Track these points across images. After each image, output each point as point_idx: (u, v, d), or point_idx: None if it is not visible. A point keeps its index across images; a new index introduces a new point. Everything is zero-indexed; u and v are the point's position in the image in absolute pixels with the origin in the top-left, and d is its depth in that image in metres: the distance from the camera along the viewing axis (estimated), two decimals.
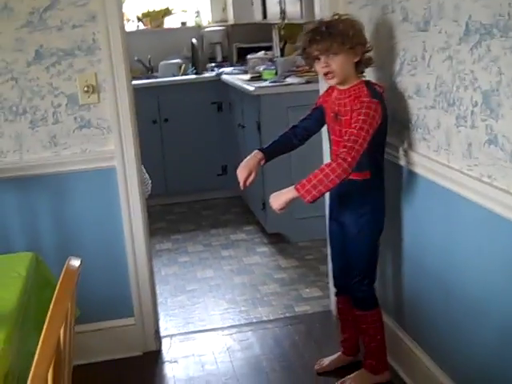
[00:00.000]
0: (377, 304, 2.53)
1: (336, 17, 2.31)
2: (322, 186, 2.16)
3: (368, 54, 2.32)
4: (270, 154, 2.51)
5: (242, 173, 2.43)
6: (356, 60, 2.28)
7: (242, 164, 2.45)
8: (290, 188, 2.22)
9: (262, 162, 2.48)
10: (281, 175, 4.12)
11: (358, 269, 2.47)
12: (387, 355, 2.57)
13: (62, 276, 1.37)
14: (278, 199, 2.27)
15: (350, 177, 2.22)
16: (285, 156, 4.21)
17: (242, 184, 2.44)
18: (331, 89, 2.42)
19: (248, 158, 2.47)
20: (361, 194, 2.38)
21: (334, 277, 2.68)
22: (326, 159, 3.00)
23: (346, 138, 2.20)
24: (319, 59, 2.27)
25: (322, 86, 2.94)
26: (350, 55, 2.25)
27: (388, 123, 2.40)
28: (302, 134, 2.54)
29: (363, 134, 2.17)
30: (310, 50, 2.28)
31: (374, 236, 2.45)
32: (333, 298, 3.17)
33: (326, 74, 2.29)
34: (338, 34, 2.22)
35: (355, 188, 2.36)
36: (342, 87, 2.32)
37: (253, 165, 2.45)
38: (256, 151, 2.49)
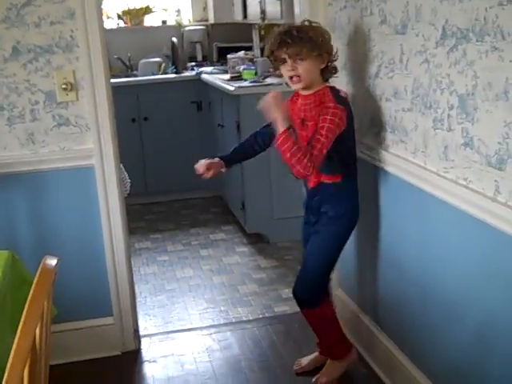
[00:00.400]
0: (323, 298, 2.54)
1: (306, 23, 2.34)
2: (289, 154, 2.18)
3: (334, 64, 2.36)
4: (229, 161, 2.59)
5: (201, 166, 2.51)
6: (322, 67, 2.31)
7: (203, 161, 2.52)
8: (282, 128, 2.22)
9: (223, 170, 2.55)
10: (260, 175, 4.14)
11: (313, 271, 2.49)
12: (345, 336, 2.63)
13: (37, 275, 1.36)
14: (273, 105, 2.29)
15: (323, 180, 2.31)
16: (264, 156, 4.24)
17: (199, 167, 2.50)
18: (296, 96, 2.44)
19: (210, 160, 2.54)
20: (333, 197, 2.40)
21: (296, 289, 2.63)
22: None
23: (314, 143, 2.21)
24: (286, 62, 2.29)
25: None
26: (317, 62, 2.29)
27: (365, 125, 2.42)
28: (263, 140, 2.57)
29: (326, 143, 2.21)
30: (278, 53, 2.30)
31: (341, 239, 2.48)
32: None
33: (291, 78, 2.31)
34: (307, 40, 2.25)
35: (328, 192, 2.39)
36: (306, 92, 2.35)
37: (214, 165, 2.53)
38: (217, 158, 2.56)
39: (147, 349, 2.98)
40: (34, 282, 1.34)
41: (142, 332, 3.06)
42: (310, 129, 2.31)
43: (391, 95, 2.26)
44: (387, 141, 2.35)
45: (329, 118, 2.22)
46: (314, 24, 2.34)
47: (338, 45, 2.66)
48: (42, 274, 1.37)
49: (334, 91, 2.33)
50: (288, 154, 2.18)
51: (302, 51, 2.24)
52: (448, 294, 2.04)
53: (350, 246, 2.85)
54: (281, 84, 4.06)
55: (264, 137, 2.55)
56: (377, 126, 2.41)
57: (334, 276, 3.03)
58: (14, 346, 1.23)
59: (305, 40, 2.24)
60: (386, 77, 2.29)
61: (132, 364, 2.86)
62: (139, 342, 3.00)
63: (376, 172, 2.45)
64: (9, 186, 2.71)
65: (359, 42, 2.47)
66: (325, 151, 2.21)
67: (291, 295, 3.39)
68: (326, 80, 2.37)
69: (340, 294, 3.02)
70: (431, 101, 1.99)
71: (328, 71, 2.34)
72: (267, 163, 4.10)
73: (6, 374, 1.21)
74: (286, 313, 3.27)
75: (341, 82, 2.69)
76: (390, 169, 2.34)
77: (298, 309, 3.25)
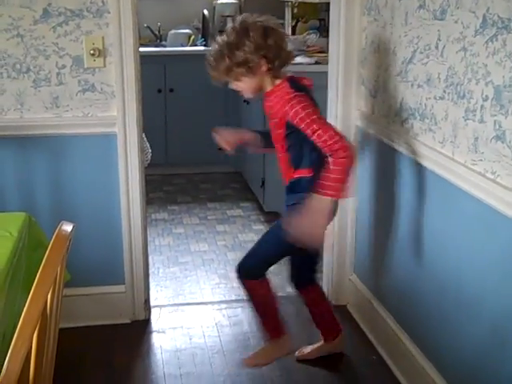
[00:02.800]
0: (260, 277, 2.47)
1: (231, 29, 2.19)
2: (340, 182, 2.10)
3: (278, 60, 2.19)
4: (265, 139, 2.44)
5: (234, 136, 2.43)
6: (264, 70, 2.19)
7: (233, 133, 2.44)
8: (315, 200, 2.12)
9: (259, 145, 2.43)
10: None
11: (263, 251, 2.49)
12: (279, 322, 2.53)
13: (53, 240, 1.35)
14: (316, 224, 2.15)
15: (294, 175, 2.26)
16: None
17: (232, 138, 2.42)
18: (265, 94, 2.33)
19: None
20: (305, 191, 2.23)
21: (292, 275, 2.60)
22: None
23: (314, 139, 2.12)
24: None
25: (332, 68, 2.91)
26: (251, 74, 2.19)
27: (394, 111, 2.37)
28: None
29: (318, 123, 2.12)
30: (213, 74, 2.26)
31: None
32: (325, 282, 3.17)
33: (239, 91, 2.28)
34: (233, 65, 2.16)
35: (300, 185, 2.29)
36: (267, 90, 2.26)
37: (248, 136, 2.46)
38: (249, 133, 2.48)
39: (157, 319, 2.98)
40: (49, 246, 1.33)
41: (152, 302, 3.06)
42: (278, 125, 2.26)
43: (423, 82, 2.21)
44: (415, 128, 2.30)
45: (298, 107, 2.14)
46: (237, 26, 2.18)
47: (373, 27, 2.62)
48: (58, 239, 1.36)
49: (294, 81, 2.23)
50: (340, 182, 2.10)
51: (231, 77, 2.21)
52: (466, 287, 2.01)
53: (366, 231, 2.83)
54: (311, 63, 4.02)
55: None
56: (405, 112, 2.36)
57: (349, 261, 3.01)
58: (25, 309, 1.22)
59: (229, 67, 2.17)
60: (419, 63, 2.24)
61: (141, 333, 2.87)
62: (149, 312, 3.01)
63: (400, 159, 2.41)
64: (30, 148, 2.70)
65: (395, 26, 2.41)
66: (325, 128, 2.11)
67: None
68: (277, 76, 2.23)
69: (354, 279, 2.99)
70: (465, 90, 1.94)
71: (274, 70, 2.20)
72: None
73: (15, 335, 1.20)
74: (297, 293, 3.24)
75: (372, 65, 2.64)
76: (415, 157, 2.29)
77: None
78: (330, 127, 2.15)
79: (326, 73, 3.00)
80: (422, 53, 2.22)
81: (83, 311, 2.84)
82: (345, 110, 2.87)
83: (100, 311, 2.89)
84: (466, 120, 1.95)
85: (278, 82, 2.24)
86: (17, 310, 1.69)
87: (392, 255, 2.57)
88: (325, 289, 3.16)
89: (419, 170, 2.28)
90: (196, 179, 5.14)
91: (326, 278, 3.15)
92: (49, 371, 1.48)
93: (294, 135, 2.21)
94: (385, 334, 2.64)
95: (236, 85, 2.25)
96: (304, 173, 2.29)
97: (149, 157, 2.95)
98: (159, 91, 5.01)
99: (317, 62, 4.00)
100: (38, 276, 1.25)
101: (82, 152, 2.74)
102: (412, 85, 2.30)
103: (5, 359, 1.17)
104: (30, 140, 2.69)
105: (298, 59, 4.17)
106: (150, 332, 2.89)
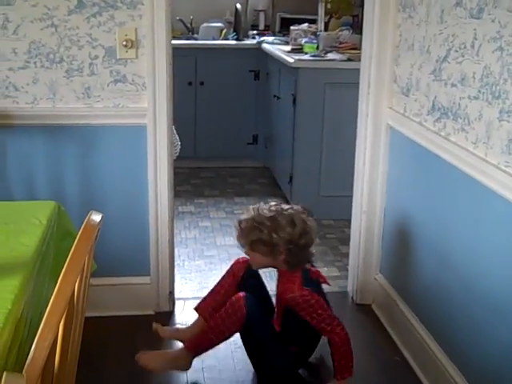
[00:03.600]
0: None
1: (273, 213, 2.31)
2: (350, 358, 2.32)
3: (302, 258, 2.35)
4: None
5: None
6: (281, 259, 2.32)
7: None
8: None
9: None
10: (311, 150, 4.08)
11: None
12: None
13: (81, 229, 1.36)
14: None
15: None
16: (316, 132, 4.17)
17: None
18: None
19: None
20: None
21: None
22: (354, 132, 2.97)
23: (323, 327, 2.31)
24: None
25: (364, 65, 2.88)
26: (270, 257, 2.33)
27: (426, 110, 2.33)
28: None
29: (324, 315, 2.31)
30: (238, 237, 2.38)
31: None
32: (350, 280, 3.15)
33: None
34: (262, 241, 2.29)
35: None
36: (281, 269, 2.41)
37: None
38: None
39: (180, 312, 2.99)
40: (78, 236, 1.33)
41: (176, 295, 3.07)
42: (277, 303, 2.44)
43: (458, 81, 2.18)
44: (447, 128, 2.27)
45: (305, 306, 2.29)
46: (287, 212, 2.32)
47: (408, 24, 2.58)
48: (86, 229, 1.36)
49: (306, 274, 2.37)
50: (351, 362, 2.32)
51: (245, 242, 2.34)
52: (494, 289, 1.98)
53: (394, 231, 2.80)
54: (342, 60, 4.00)
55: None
56: (438, 111, 2.33)
57: (375, 259, 2.99)
58: (53, 297, 1.22)
59: (253, 235, 2.30)
60: (454, 61, 2.20)
61: (164, 325, 2.86)
62: (173, 304, 3.02)
63: (431, 159, 2.38)
64: (61, 137, 2.73)
65: (430, 24, 2.38)
66: (324, 316, 2.31)
67: (329, 274, 3.38)
68: (293, 268, 2.35)
69: (379, 278, 2.97)
70: (500, 90, 1.91)
71: (290, 264, 2.34)
72: (319, 139, 4.05)
73: (42, 322, 1.21)
74: None
75: (406, 63, 2.61)
76: (446, 157, 2.26)
77: (335, 289, 3.23)
78: (323, 314, 2.31)
79: (357, 70, 2.98)
80: (457, 51, 2.18)
81: (108, 301, 2.86)
82: (376, 107, 2.84)
83: (124, 302, 2.90)
84: (500, 121, 1.92)
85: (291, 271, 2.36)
86: (44, 298, 1.71)
87: (419, 255, 2.54)
88: (350, 287, 3.15)
89: (450, 170, 2.24)
90: (224, 173, 5.14)
91: (352, 277, 3.13)
92: (74, 359, 1.49)
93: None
94: (409, 335, 2.61)
95: (251, 254, 2.37)
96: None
97: (178, 149, 2.96)
98: (190, 84, 5.02)
99: (349, 59, 3.97)
100: (65, 265, 1.26)
101: (112, 143, 2.76)
102: (446, 84, 2.27)
103: (31, 346, 1.18)
104: (60, 129, 2.71)
105: (330, 56, 4.14)
106: (174, 324, 2.89)
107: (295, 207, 2.37)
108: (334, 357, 2.30)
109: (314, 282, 2.40)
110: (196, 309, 2.57)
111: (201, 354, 2.42)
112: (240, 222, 2.35)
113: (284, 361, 2.41)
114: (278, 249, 2.30)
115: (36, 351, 1.16)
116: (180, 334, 2.58)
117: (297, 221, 2.30)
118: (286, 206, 2.36)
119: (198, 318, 2.57)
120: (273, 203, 2.38)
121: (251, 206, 2.39)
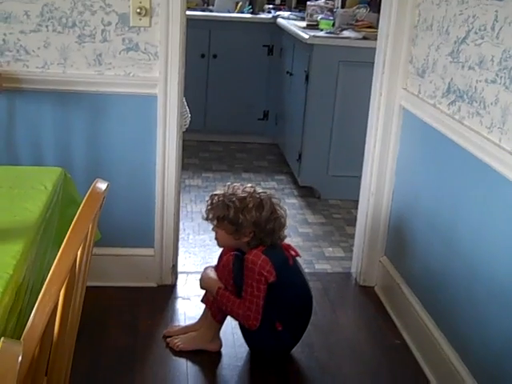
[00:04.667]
0: None
1: (245, 194, 2.33)
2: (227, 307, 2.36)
3: (266, 242, 2.35)
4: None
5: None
6: (245, 241, 2.35)
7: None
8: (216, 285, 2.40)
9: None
10: (321, 129, 4.05)
11: None
12: None
13: (86, 197, 1.34)
14: (206, 279, 2.45)
15: None
16: (328, 106, 4.13)
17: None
18: None
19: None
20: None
21: None
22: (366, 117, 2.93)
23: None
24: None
25: (380, 44, 2.83)
26: (234, 237, 2.35)
27: (441, 92, 2.29)
28: None
29: (250, 290, 2.33)
30: (208, 211, 2.39)
31: None
32: (354, 261, 3.14)
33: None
34: (228, 219, 2.31)
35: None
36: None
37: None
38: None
39: (183, 285, 2.98)
40: (82, 203, 1.31)
41: (180, 268, 3.07)
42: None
43: (475, 64, 2.13)
44: (462, 112, 2.23)
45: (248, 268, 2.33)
46: (250, 198, 2.32)
47: (427, 4, 2.53)
48: (91, 197, 1.34)
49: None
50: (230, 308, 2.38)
51: (212, 218, 2.36)
52: (500, 276, 1.96)
53: (400, 213, 2.77)
54: (358, 38, 3.94)
55: None
56: (453, 94, 2.29)
57: (380, 242, 2.97)
58: (54, 264, 1.21)
59: (220, 212, 2.32)
60: (473, 43, 2.16)
61: (166, 298, 2.87)
62: (176, 277, 3.01)
63: (443, 142, 2.34)
64: (70, 104, 2.70)
65: (450, 4, 2.32)
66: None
67: (334, 255, 3.38)
68: (252, 247, 2.36)
69: (384, 261, 2.95)
70: None
71: (251, 246, 2.36)
72: (331, 118, 4.01)
73: (42, 290, 1.20)
74: (326, 271, 3.22)
75: (423, 44, 2.56)
76: (459, 141, 2.22)
77: (339, 269, 3.23)
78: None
79: (373, 49, 2.93)
80: (476, 33, 2.14)
81: (111, 271, 2.86)
82: (390, 88, 2.80)
83: (127, 273, 2.90)
84: None
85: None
86: (46, 265, 1.70)
87: (425, 240, 2.52)
88: (354, 269, 3.14)
89: (462, 154, 2.21)
90: (232, 148, 5.12)
91: (356, 258, 3.11)
92: (73, 328, 1.48)
93: None
94: (410, 319, 2.60)
95: (217, 232, 2.41)
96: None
97: (187, 121, 2.93)
98: (202, 56, 4.97)
99: (364, 38, 3.92)
100: (69, 232, 1.24)
101: (122, 111, 2.73)
102: (463, 66, 2.22)
103: (31, 312, 1.17)
104: (70, 96, 2.69)
105: (346, 33, 4.09)
106: (176, 298, 2.89)
107: (269, 193, 2.40)
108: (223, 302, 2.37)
109: (279, 252, 2.39)
110: (202, 300, 2.58)
111: (223, 320, 2.49)
112: (211, 196, 2.38)
113: (270, 341, 2.42)
114: (243, 230, 2.32)
115: (35, 318, 1.15)
116: (190, 328, 2.58)
117: (265, 205, 2.33)
118: (259, 190, 2.38)
119: (205, 309, 2.57)
120: (249, 185, 2.41)
121: (228, 183, 2.42)
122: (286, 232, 2.44)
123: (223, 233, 2.38)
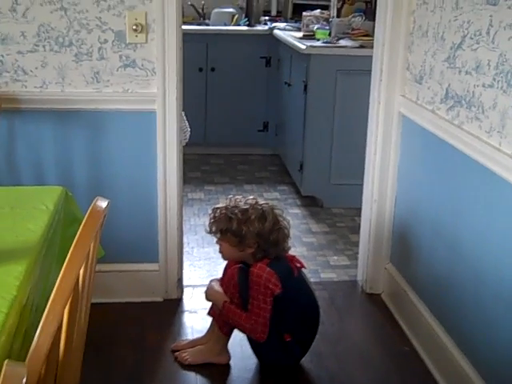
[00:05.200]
0: None
1: (247, 205, 2.33)
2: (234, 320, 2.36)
3: (271, 253, 2.34)
4: None
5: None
6: (249, 252, 2.35)
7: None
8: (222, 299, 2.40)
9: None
10: (322, 138, 4.05)
11: None
12: None
13: (87, 215, 1.34)
14: (212, 293, 2.46)
15: None
16: (327, 120, 4.14)
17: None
18: None
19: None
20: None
21: None
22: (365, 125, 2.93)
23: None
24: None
25: (377, 52, 2.84)
26: (234, 247, 2.35)
27: (439, 98, 2.29)
28: None
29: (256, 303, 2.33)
30: (211, 224, 2.39)
31: None
32: (360, 269, 3.13)
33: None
34: (231, 231, 2.31)
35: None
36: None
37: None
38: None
39: (189, 299, 2.98)
40: (83, 222, 1.31)
41: (185, 282, 3.06)
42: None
43: (472, 68, 2.14)
44: (461, 117, 2.23)
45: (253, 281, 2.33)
46: (252, 210, 2.32)
47: (422, 10, 2.54)
48: (91, 215, 1.34)
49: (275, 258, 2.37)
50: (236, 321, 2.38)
51: (216, 231, 2.37)
52: (506, 280, 1.95)
53: (405, 220, 2.77)
54: (355, 47, 3.95)
55: None
56: (451, 99, 2.29)
57: (385, 249, 2.96)
58: (57, 282, 1.21)
59: (223, 225, 2.33)
60: (469, 49, 2.16)
61: (172, 312, 2.87)
62: (182, 291, 3.01)
63: (443, 147, 2.34)
64: (70, 122, 2.71)
65: (445, 10, 2.33)
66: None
67: (339, 263, 3.37)
68: (258, 259, 2.36)
69: (389, 267, 2.94)
70: None
71: (257, 258, 2.35)
72: (330, 127, 4.02)
73: (46, 309, 1.20)
74: (332, 280, 3.21)
75: (419, 50, 2.57)
76: (459, 146, 2.22)
77: (344, 278, 3.22)
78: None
79: (370, 57, 2.93)
80: (472, 38, 2.14)
81: (116, 287, 2.86)
82: (388, 95, 2.80)
83: (133, 288, 2.90)
84: None
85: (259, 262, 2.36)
86: (50, 284, 1.69)
87: (430, 245, 2.51)
88: (359, 277, 3.13)
89: (463, 159, 2.21)
90: (234, 160, 5.12)
91: (362, 266, 3.10)
92: (79, 347, 1.48)
93: None
94: (419, 325, 2.59)
95: (221, 245, 2.41)
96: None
97: (187, 136, 2.93)
98: (200, 70, 4.99)
99: (361, 46, 3.93)
100: (70, 251, 1.24)
101: (121, 128, 2.74)
102: (460, 71, 2.23)
103: (36, 332, 1.17)
104: (69, 114, 2.70)
105: (343, 42, 4.10)
106: (182, 311, 2.89)
107: (271, 204, 2.41)
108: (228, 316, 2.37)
109: (284, 263, 2.39)
110: (208, 313, 2.57)
111: (230, 333, 2.47)
112: (214, 210, 2.39)
113: (279, 353, 2.41)
114: (247, 241, 2.32)
115: (40, 339, 1.15)
116: (197, 341, 2.57)
117: (268, 216, 2.34)
118: (261, 202, 2.38)
119: (212, 322, 2.56)
120: (251, 197, 2.41)
121: (230, 196, 2.42)
122: (290, 242, 2.44)
123: (227, 245, 2.38)
